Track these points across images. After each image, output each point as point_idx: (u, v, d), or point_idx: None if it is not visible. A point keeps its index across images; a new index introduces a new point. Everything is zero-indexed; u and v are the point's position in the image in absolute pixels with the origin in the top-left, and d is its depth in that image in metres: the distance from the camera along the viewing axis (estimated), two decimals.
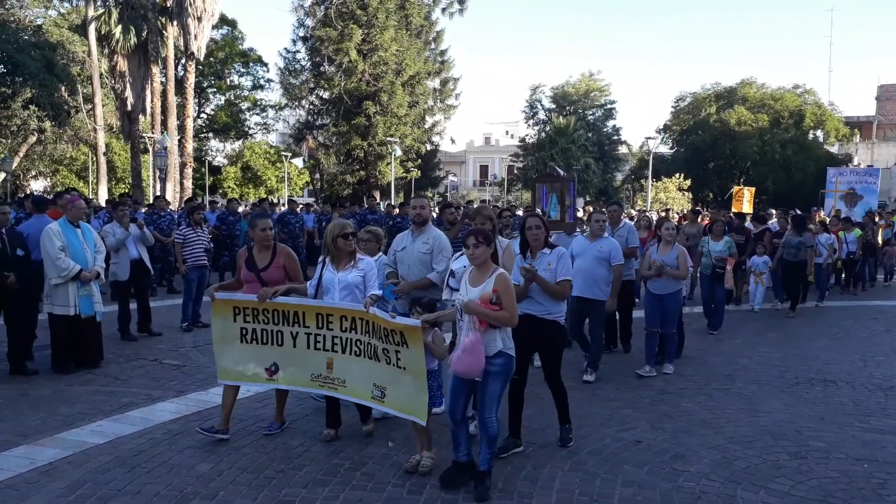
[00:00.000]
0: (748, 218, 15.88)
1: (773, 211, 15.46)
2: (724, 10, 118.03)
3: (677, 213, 25.92)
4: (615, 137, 50.89)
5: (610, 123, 50.90)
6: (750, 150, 44.05)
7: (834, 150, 47.60)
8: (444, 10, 39.58)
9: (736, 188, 22.80)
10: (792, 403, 6.44)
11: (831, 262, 13.17)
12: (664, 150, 50.72)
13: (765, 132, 44.32)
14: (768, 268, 11.94)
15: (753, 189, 25.09)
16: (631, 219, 16.09)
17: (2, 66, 25.12)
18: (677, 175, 43.83)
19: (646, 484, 4.56)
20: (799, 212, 16.52)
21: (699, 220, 14.60)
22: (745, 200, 21.77)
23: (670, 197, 41.60)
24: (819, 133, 47.07)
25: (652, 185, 39.15)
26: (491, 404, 4.37)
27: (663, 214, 22.61)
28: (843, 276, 14.79)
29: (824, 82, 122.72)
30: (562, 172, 9.17)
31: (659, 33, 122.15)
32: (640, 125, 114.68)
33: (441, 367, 4.89)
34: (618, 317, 8.55)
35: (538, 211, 9.01)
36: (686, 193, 42.97)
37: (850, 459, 5.03)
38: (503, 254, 5.20)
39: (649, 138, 36.42)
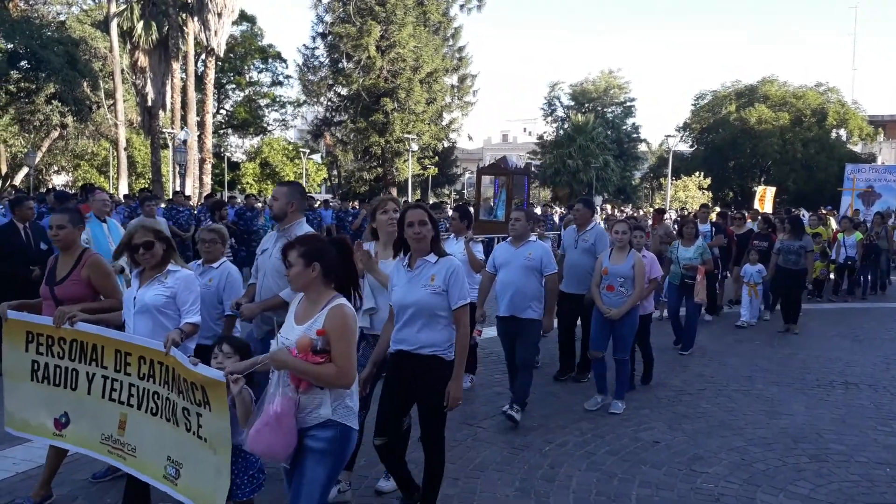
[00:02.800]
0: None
1: (746, 213, 13.73)
2: (745, 7, 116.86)
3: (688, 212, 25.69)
4: (634, 135, 50.65)
5: (629, 121, 50.68)
6: (771, 148, 43.67)
7: (857, 149, 47.06)
8: (462, 6, 39.51)
9: (760, 189, 22.52)
10: (812, 406, 6.37)
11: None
12: (684, 148, 50.44)
13: (786, 131, 43.91)
14: (763, 278, 10.41)
15: (775, 189, 24.87)
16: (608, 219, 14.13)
17: (26, 61, 25.50)
18: (697, 173, 43.53)
19: (664, 485, 4.53)
20: (794, 211, 15.82)
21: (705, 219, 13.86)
22: (767, 200, 21.54)
23: (690, 196, 41.33)
24: (842, 132, 46.56)
25: (671, 183, 38.89)
26: (309, 500, 2.92)
27: (684, 213, 22.43)
28: (836, 281, 13.64)
29: (848, 80, 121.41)
30: (515, 163, 7.58)
31: (679, 31, 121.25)
32: (660, 123, 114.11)
33: None
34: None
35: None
36: (706, 192, 42.64)
37: (872, 463, 4.97)
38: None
39: (669, 136, 36.20)
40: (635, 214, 19.75)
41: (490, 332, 7.76)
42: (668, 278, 8.71)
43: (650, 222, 13.95)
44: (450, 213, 19.76)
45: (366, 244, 4.41)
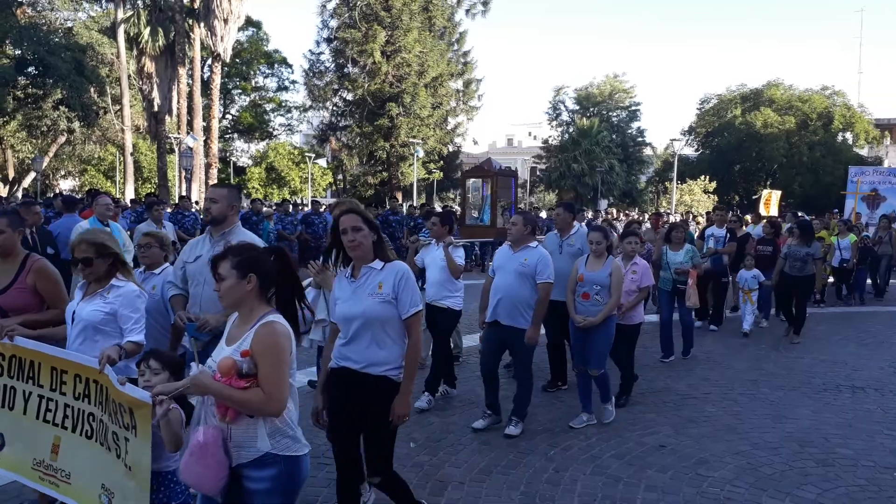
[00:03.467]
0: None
1: (748, 217, 13.50)
2: (750, 11, 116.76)
3: (695, 215, 25.61)
4: (640, 139, 50.60)
5: (634, 125, 50.63)
6: (776, 152, 43.58)
7: (864, 152, 46.91)
8: (467, 11, 39.59)
9: (766, 192, 22.39)
10: (819, 410, 6.35)
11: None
12: (689, 152, 50.37)
13: (792, 134, 43.81)
14: (760, 283, 9.96)
15: (780, 192, 24.74)
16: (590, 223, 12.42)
17: (33, 67, 25.65)
18: (702, 177, 43.46)
19: (669, 489, 4.52)
20: (801, 216, 15.37)
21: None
22: (772, 204, 21.42)
23: (695, 199, 41.24)
24: (848, 135, 46.42)
25: (677, 187, 38.83)
26: None
27: (683, 216, 22.36)
28: (836, 285, 13.34)
29: (854, 84, 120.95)
30: (499, 165, 6.87)
31: (684, 35, 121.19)
32: (665, 127, 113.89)
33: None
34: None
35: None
36: (711, 196, 42.57)
37: (879, 467, 4.95)
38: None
39: (674, 140, 36.13)
40: (640, 219, 19.58)
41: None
42: (659, 285, 8.36)
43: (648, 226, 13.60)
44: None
45: None
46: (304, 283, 4.27)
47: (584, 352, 5.70)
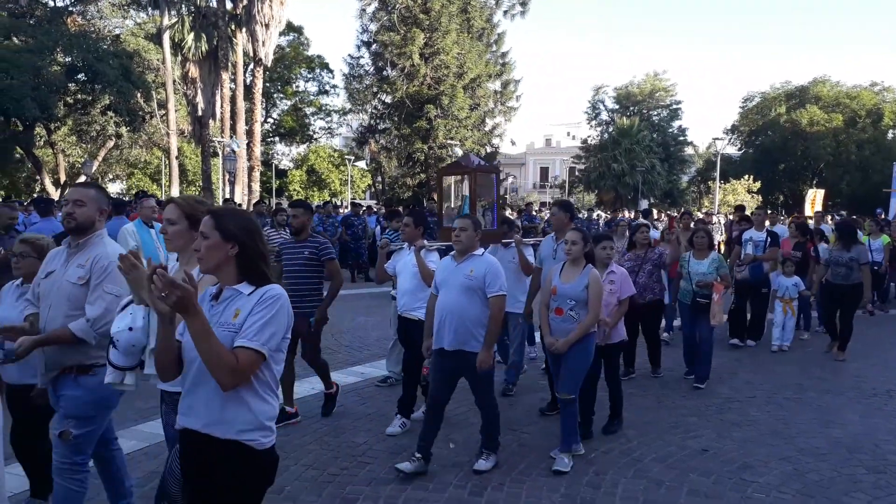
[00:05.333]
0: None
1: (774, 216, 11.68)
2: (795, 5, 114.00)
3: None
4: (681, 138, 49.93)
5: (675, 124, 49.99)
6: (823, 150, 42.59)
7: None
8: (505, 12, 39.47)
9: (811, 192, 21.85)
10: (869, 415, 6.18)
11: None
12: (732, 151, 49.50)
13: (839, 132, 42.76)
14: (800, 294, 9.02)
15: (823, 191, 24.13)
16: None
17: (83, 74, 26.41)
18: (746, 177, 42.65)
19: (713, 494, 4.45)
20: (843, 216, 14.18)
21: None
22: (817, 203, 20.90)
23: (739, 199, 40.49)
24: None
25: (720, 186, 38.17)
26: None
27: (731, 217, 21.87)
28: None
29: None
30: (478, 161, 5.98)
31: (726, 31, 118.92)
32: (707, 126, 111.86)
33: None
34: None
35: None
36: (755, 196, 41.76)
37: None
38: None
39: (717, 139, 35.53)
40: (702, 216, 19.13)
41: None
42: (679, 296, 7.56)
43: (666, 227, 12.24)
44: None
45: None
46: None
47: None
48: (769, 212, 11.63)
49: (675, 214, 17.56)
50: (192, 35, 29.81)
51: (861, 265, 8.35)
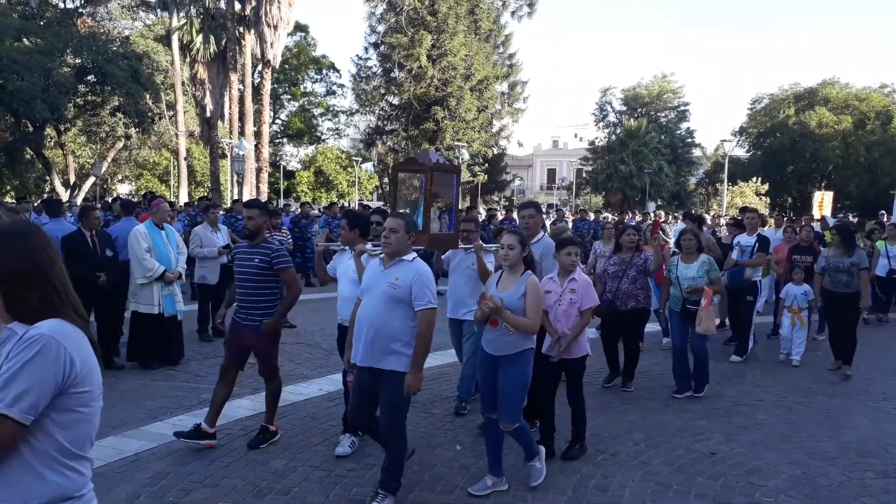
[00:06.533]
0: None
1: (772, 220, 11.39)
2: (804, 7, 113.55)
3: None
4: (689, 140, 49.85)
5: (683, 126, 49.96)
6: (832, 153, 42.41)
7: None
8: (513, 13, 39.59)
9: (818, 194, 21.71)
10: (879, 420, 6.14)
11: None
12: (740, 153, 49.34)
13: (848, 134, 42.57)
14: (809, 303, 8.28)
15: (832, 193, 24.00)
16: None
17: (92, 75, 26.56)
18: (754, 179, 42.51)
19: (721, 497, 4.44)
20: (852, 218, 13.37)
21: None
22: (825, 206, 20.75)
23: (747, 202, 40.39)
24: None
25: (728, 189, 38.04)
26: None
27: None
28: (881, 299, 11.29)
29: None
30: (438, 158, 5.35)
31: (734, 33, 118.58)
32: (715, 128, 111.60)
33: None
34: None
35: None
36: (763, 198, 41.63)
37: None
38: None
39: (725, 141, 35.47)
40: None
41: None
42: (669, 303, 7.00)
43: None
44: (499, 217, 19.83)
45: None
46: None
47: (493, 395, 4.43)
48: (776, 214, 11.24)
49: (657, 216, 16.97)
50: (200, 37, 29.99)
51: (860, 270, 7.67)
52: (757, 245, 8.36)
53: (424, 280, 4.04)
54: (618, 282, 6.84)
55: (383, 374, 4.03)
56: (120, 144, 33.00)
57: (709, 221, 16.49)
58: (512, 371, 4.31)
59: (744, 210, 11.30)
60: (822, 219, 14.95)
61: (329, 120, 50.71)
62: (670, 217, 25.41)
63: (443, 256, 6.08)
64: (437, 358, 7.49)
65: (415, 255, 4.22)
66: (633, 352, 7.01)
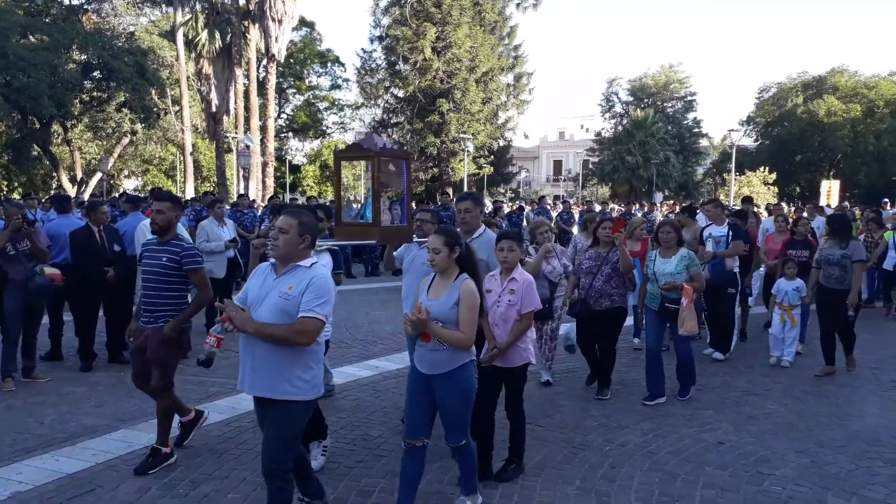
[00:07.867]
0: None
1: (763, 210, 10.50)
2: None
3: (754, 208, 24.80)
4: (696, 130, 49.62)
5: (690, 116, 49.71)
6: (840, 141, 42.12)
7: None
8: (518, 5, 39.38)
9: (825, 183, 21.58)
10: (887, 408, 6.13)
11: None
12: (748, 142, 49.13)
13: (857, 123, 42.27)
14: (802, 300, 7.64)
15: (839, 182, 23.87)
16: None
17: (98, 71, 26.64)
18: (762, 168, 42.31)
19: (729, 486, 4.44)
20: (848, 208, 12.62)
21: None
22: (833, 195, 20.62)
23: (755, 191, 40.20)
24: None
25: (735, 179, 37.86)
26: None
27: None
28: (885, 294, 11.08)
29: None
30: (384, 143, 4.74)
31: (741, 21, 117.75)
32: (722, 117, 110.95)
33: None
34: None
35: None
36: (771, 187, 41.41)
37: None
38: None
39: (732, 130, 35.32)
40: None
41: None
42: (646, 301, 6.42)
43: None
44: (506, 210, 19.71)
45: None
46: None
47: (423, 418, 3.83)
48: (779, 203, 10.76)
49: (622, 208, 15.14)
50: (205, 32, 30.00)
51: (853, 263, 7.05)
52: (731, 234, 7.90)
53: (319, 286, 3.32)
54: (591, 278, 6.27)
55: (276, 405, 3.36)
56: (126, 140, 33.13)
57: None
58: (452, 389, 3.73)
59: (746, 200, 10.90)
60: (821, 209, 14.52)
61: (334, 114, 50.72)
62: (677, 207, 25.31)
63: (395, 253, 5.44)
64: (394, 362, 7.51)
65: (314, 260, 3.49)
66: (608, 356, 6.42)
